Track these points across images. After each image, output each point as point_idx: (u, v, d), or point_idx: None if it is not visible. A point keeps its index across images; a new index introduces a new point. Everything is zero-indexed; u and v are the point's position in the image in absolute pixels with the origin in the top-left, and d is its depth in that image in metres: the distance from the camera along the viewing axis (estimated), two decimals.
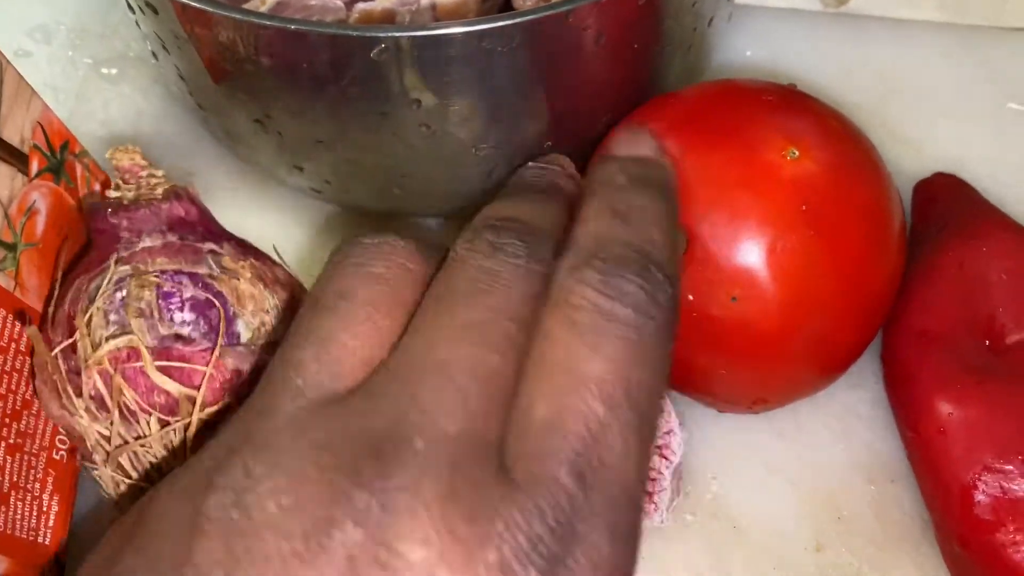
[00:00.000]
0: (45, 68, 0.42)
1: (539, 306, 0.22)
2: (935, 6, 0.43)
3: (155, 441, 0.27)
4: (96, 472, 0.29)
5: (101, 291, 0.28)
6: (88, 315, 0.28)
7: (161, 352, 0.27)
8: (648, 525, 0.31)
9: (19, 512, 0.29)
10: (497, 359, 0.20)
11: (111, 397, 0.27)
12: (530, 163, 0.28)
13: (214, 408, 0.27)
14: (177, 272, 0.29)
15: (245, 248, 0.31)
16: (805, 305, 0.29)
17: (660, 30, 0.32)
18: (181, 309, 0.28)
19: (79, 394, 0.28)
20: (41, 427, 0.30)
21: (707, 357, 0.30)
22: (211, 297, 0.28)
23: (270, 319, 0.29)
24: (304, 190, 0.37)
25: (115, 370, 0.27)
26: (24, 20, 0.44)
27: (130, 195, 0.31)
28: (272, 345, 0.29)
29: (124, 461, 0.27)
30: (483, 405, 0.19)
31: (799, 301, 0.28)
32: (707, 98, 0.31)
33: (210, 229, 0.31)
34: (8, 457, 0.29)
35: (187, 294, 0.28)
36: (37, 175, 0.32)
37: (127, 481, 0.28)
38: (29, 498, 0.30)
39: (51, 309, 0.30)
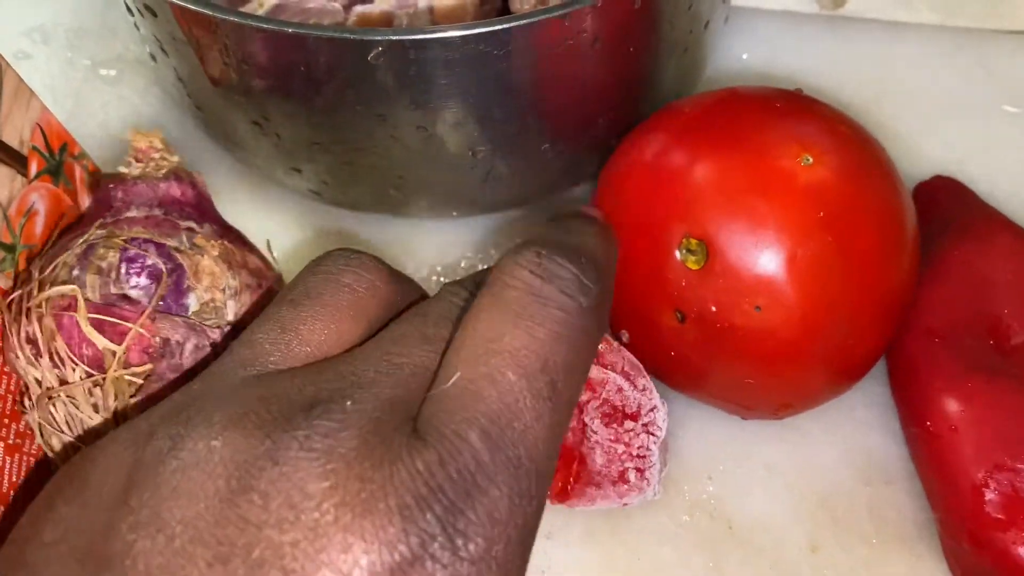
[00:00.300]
0: (44, 69, 0.42)
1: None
2: (929, 8, 0.43)
3: (79, 393, 0.27)
4: (26, 417, 0.29)
5: (73, 249, 0.29)
6: (53, 266, 0.29)
7: (102, 308, 0.28)
8: (643, 500, 0.31)
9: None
10: (432, 353, 0.22)
11: (43, 341, 0.28)
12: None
13: (138, 369, 0.28)
14: (146, 240, 0.30)
15: (226, 233, 0.32)
16: (827, 311, 0.29)
17: (656, 33, 0.32)
18: (139, 274, 0.29)
19: (21, 338, 0.29)
20: None
21: (732, 367, 0.30)
22: (169, 266, 0.29)
23: (223, 298, 0.30)
24: (302, 191, 0.37)
25: (50, 315, 0.28)
26: (22, 21, 0.44)
27: (136, 172, 0.32)
28: (220, 328, 0.29)
29: (54, 411, 0.28)
30: (414, 379, 0.21)
31: (821, 308, 0.29)
32: (715, 106, 0.31)
33: (200, 211, 0.32)
34: (7, 457, 0.29)
35: (148, 261, 0.29)
36: (36, 177, 0.32)
37: (59, 435, 0.28)
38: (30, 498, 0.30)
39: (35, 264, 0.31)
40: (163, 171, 0.32)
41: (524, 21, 0.27)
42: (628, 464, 0.30)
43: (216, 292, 0.29)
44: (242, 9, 0.35)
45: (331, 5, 0.35)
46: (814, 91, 0.34)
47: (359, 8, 0.34)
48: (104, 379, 0.27)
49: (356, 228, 0.38)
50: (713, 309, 0.29)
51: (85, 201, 0.35)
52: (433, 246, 0.38)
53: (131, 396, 0.27)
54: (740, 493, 0.33)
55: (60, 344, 0.28)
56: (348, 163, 0.34)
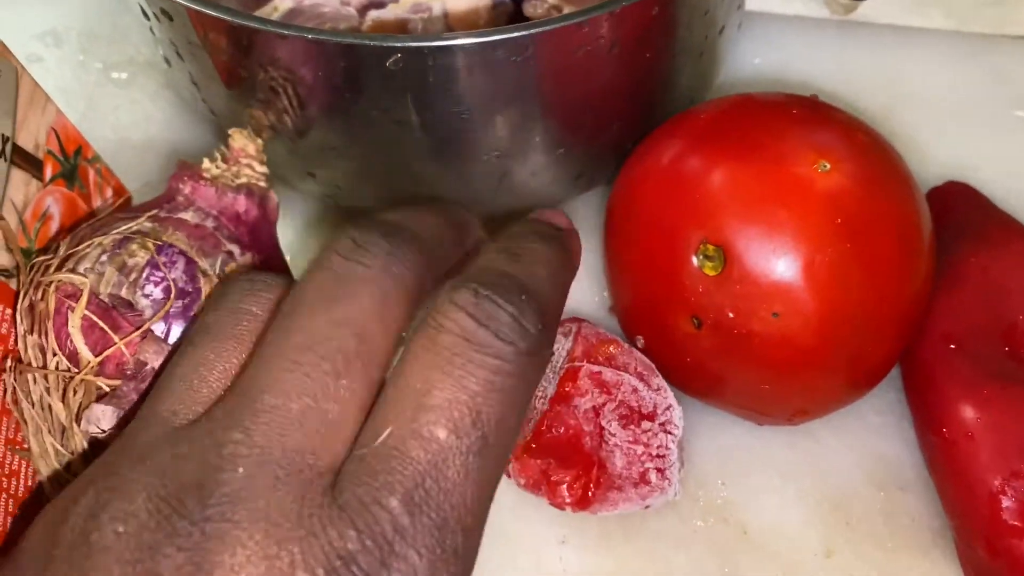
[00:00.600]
0: (56, 72, 0.42)
1: (407, 312, 0.22)
2: (942, 14, 0.43)
3: (51, 379, 0.27)
4: (3, 377, 0.29)
5: (114, 232, 0.29)
6: (89, 243, 0.29)
7: (102, 310, 0.28)
8: (665, 500, 0.31)
9: None
10: (332, 384, 0.20)
11: (38, 317, 0.28)
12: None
13: (106, 381, 0.27)
14: (180, 253, 0.29)
15: (265, 265, 0.31)
16: (844, 318, 0.29)
17: (673, 39, 0.32)
18: (156, 284, 0.28)
19: (25, 304, 0.29)
20: None
21: (749, 373, 0.30)
22: (187, 288, 0.28)
23: None
24: (316, 195, 0.37)
25: (54, 295, 0.28)
26: (35, 24, 0.44)
27: (216, 171, 0.31)
28: None
29: (30, 382, 0.28)
30: (314, 431, 0.20)
31: (838, 314, 0.29)
32: (732, 112, 0.31)
33: (252, 235, 0.31)
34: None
35: (171, 275, 0.28)
36: (51, 181, 0.32)
37: (28, 407, 0.28)
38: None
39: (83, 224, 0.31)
40: (239, 181, 0.31)
41: (544, 28, 0.27)
42: (648, 464, 0.30)
43: None
44: (257, 13, 0.36)
45: (346, 10, 0.35)
46: (826, 95, 0.34)
47: (374, 13, 0.34)
48: (73, 378, 0.27)
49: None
50: (730, 315, 0.29)
51: (98, 205, 0.35)
52: None
53: (95, 400, 0.27)
54: (754, 498, 0.33)
55: (50, 328, 0.28)
56: (362, 168, 0.34)
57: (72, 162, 0.34)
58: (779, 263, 0.28)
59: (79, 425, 0.27)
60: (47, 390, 0.28)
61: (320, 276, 0.22)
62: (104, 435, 0.26)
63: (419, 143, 0.32)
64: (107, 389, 0.27)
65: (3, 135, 0.29)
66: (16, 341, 0.29)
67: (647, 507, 0.31)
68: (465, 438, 0.20)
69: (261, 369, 0.21)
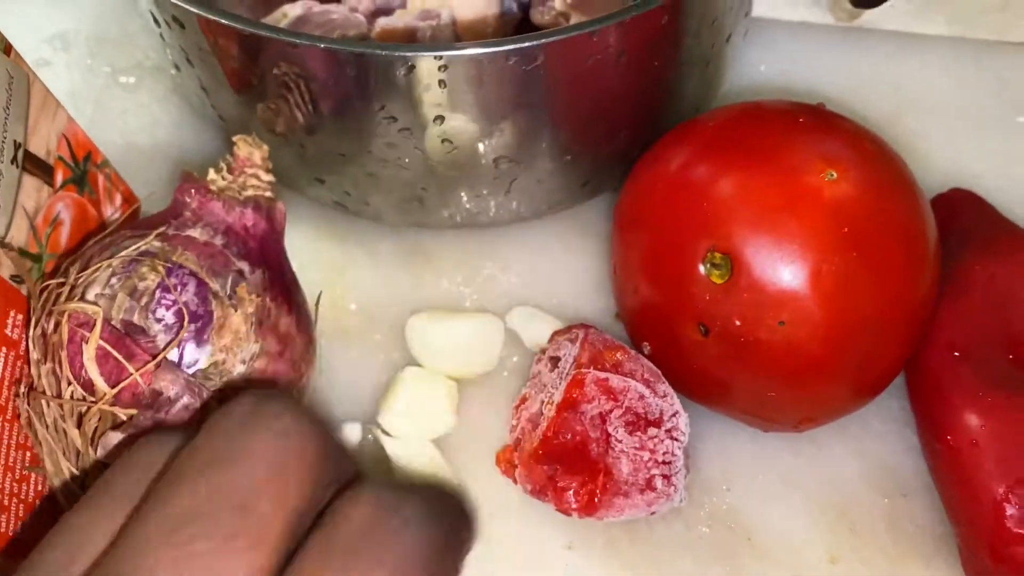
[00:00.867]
0: (64, 76, 0.42)
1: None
2: (946, 21, 0.43)
3: (66, 407, 0.27)
4: (17, 400, 0.29)
5: (125, 252, 0.29)
6: (97, 267, 0.28)
7: (116, 339, 0.27)
8: (671, 506, 0.32)
9: None
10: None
11: (51, 345, 0.28)
12: None
13: (122, 411, 0.27)
14: (191, 274, 0.29)
15: (276, 282, 0.31)
16: (851, 326, 0.29)
17: (681, 48, 0.32)
18: (168, 308, 0.28)
19: (37, 331, 0.28)
20: None
21: (755, 381, 0.30)
22: (199, 311, 0.28)
23: (233, 362, 0.29)
24: (325, 202, 0.37)
25: (67, 325, 0.27)
26: (44, 28, 0.44)
27: (221, 183, 0.30)
28: (214, 391, 0.28)
29: (44, 409, 0.27)
30: None
31: (845, 323, 0.29)
32: (739, 120, 0.32)
33: (262, 249, 0.31)
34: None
35: (183, 298, 0.28)
36: (62, 186, 0.32)
37: (43, 430, 0.28)
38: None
39: (91, 241, 0.30)
40: (246, 192, 0.30)
41: (554, 38, 0.28)
42: (655, 471, 0.31)
43: (231, 355, 0.28)
44: (266, 19, 0.36)
45: (355, 17, 0.35)
46: (831, 101, 0.34)
47: (383, 20, 0.35)
48: (89, 408, 0.27)
49: (377, 239, 0.39)
50: (737, 323, 0.29)
51: (108, 210, 0.35)
52: (454, 256, 0.38)
53: (111, 428, 0.27)
54: (759, 505, 0.34)
55: (64, 357, 0.28)
56: (372, 174, 0.34)
57: (82, 168, 0.34)
58: (786, 271, 0.28)
59: (95, 451, 0.27)
60: (61, 416, 0.28)
61: (352, 529, 0.19)
62: None
63: (427, 150, 0.32)
64: (123, 418, 0.27)
65: (15, 141, 0.29)
66: (29, 365, 0.29)
67: (653, 513, 0.31)
68: None
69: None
